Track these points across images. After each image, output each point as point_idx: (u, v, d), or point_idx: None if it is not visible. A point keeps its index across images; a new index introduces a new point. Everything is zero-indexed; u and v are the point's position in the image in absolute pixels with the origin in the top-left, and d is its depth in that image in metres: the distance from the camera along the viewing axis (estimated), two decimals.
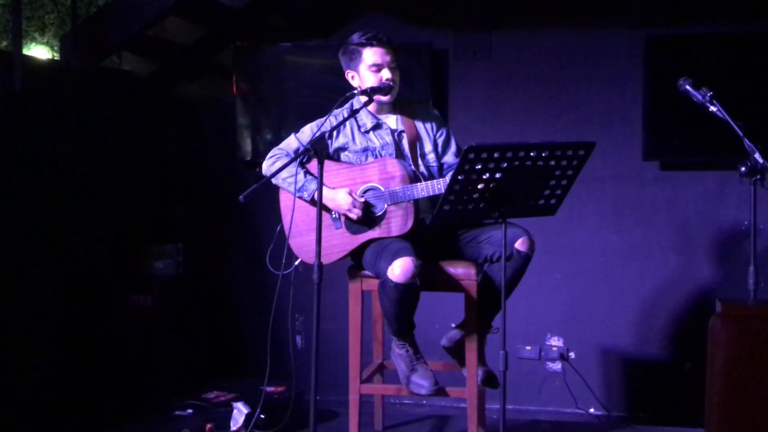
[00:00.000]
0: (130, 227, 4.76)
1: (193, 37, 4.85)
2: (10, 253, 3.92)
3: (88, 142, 4.46)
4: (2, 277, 3.87)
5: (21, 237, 3.99)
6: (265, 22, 4.90)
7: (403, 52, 3.69)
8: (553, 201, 3.00)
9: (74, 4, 4.59)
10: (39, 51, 5.06)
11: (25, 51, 4.45)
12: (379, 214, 3.35)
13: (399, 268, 3.13)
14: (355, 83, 3.44)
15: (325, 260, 3.06)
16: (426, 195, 3.26)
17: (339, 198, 3.35)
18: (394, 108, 3.50)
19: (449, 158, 3.51)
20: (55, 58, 4.80)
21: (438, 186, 3.22)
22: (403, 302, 3.23)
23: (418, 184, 3.27)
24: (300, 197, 3.36)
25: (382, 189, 3.34)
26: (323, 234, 3.03)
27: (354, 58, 3.40)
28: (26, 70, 4.03)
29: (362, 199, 3.35)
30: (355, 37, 3.39)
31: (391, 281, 3.15)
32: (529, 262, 3.31)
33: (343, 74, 3.49)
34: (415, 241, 3.27)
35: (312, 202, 3.37)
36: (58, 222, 4.22)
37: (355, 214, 3.33)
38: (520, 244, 3.26)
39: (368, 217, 3.36)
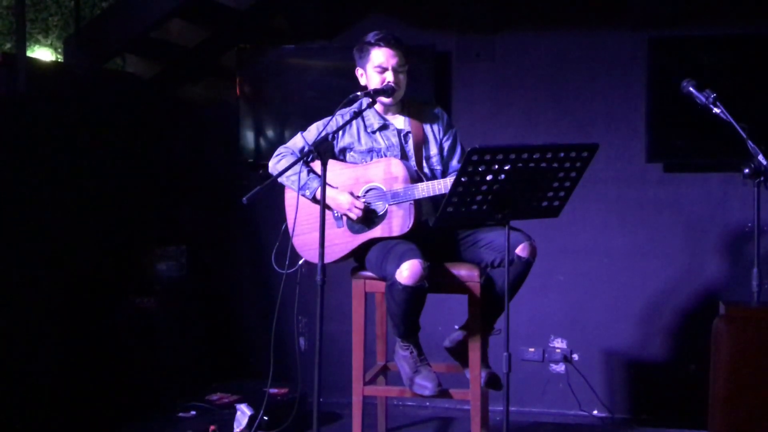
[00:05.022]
0: (134, 229, 4.76)
1: (197, 39, 4.85)
2: (14, 254, 3.93)
3: (91, 144, 4.46)
4: (6, 279, 3.88)
5: (24, 238, 3.99)
6: (268, 24, 4.91)
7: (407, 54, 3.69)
8: (556, 203, 3.00)
9: (78, 7, 4.60)
10: (43, 53, 5.07)
11: (29, 53, 4.47)
12: (381, 213, 3.36)
13: (407, 271, 3.13)
14: (362, 81, 3.47)
15: (326, 259, 3.05)
16: (427, 195, 3.26)
17: (340, 198, 3.35)
18: (402, 109, 3.51)
19: (455, 162, 3.52)
20: (59, 61, 4.82)
21: (439, 187, 3.22)
22: (410, 304, 3.23)
23: (420, 184, 3.27)
24: (302, 195, 3.36)
25: (384, 189, 3.35)
26: (325, 232, 3.03)
27: (363, 56, 3.42)
28: (30, 72, 4.04)
29: (363, 200, 3.36)
30: (369, 36, 3.41)
31: (400, 284, 3.15)
32: (531, 267, 3.30)
33: (347, 76, 3.51)
34: (416, 242, 3.28)
35: (314, 200, 3.38)
36: (62, 224, 4.22)
37: (355, 214, 3.34)
38: (521, 250, 3.26)
39: (369, 217, 3.36)
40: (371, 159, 3.44)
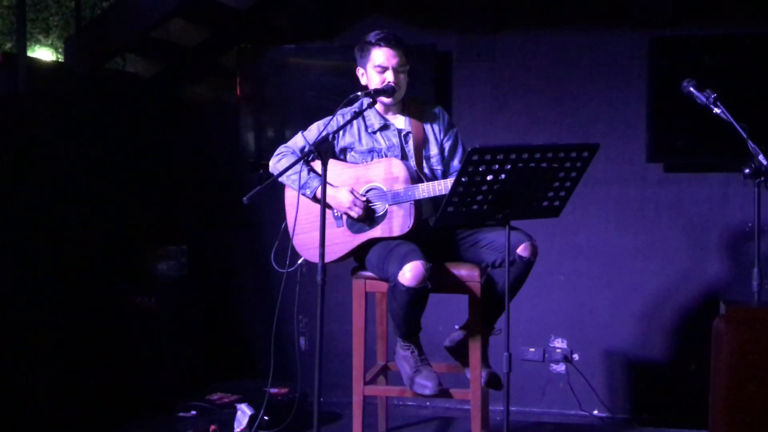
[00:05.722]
0: (134, 228, 4.76)
1: (197, 38, 4.86)
2: (15, 253, 3.93)
3: (92, 143, 4.46)
4: (6, 278, 3.88)
5: (25, 238, 3.99)
6: (269, 23, 4.90)
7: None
8: (557, 203, 3.00)
9: (78, 6, 4.60)
10: (43, 53, 5.07)
11: (30, 53, 4.47)
12: (380, 213, 3.36)
13: (410, 272, 3.13)
14: (363, 81, 3.47)
15: (326, 258, 3.05)
16: (427, 196, 3.26)
17: (340, 196, 3.35)
18: (403, 108, 3.51)
19: (456, 162, 3.51)
20: (60, 60, 4.82)
21: (439, 187, 3.22)
22: (413, 306, 3.23)
23: (420, 185, 3.27)
24: (303, 194, 3.36)
25: (385, 189, 3.34)
26: (325, 232, 3.02)
27: (364, 55, 3.42)
28: (31, 72, 4.04)
29: (364, 198, 3.35)
30: (370, 35, 3.41)
31: (403, 285, 3.14)
32: (532, 267, 3.30)
33: (347, 76, 3.51)
34: (416, 242, 3.27)
35: (314, 199, 3.38)
36: (63, 223, 4.23)
37: (355, 212, 3.34)
38: (522, 250, 3.25)
39: (369, 217, 3.36)
40: (372, 159, 3.44)
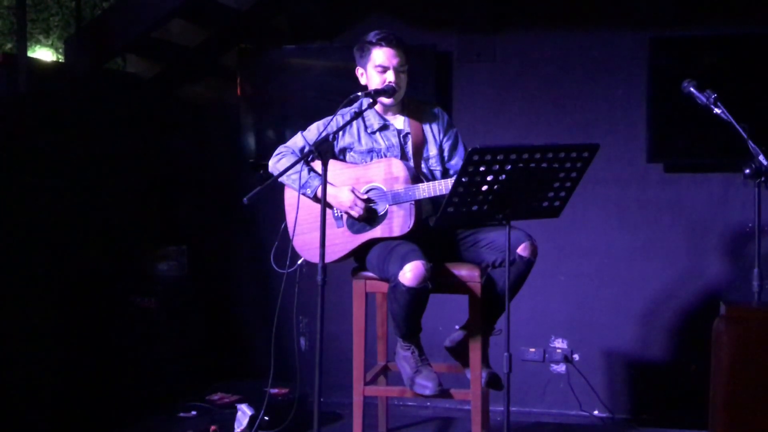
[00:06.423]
0: (134, 229, 4.76)
1: (198, 39, 4.85)
2: (14, 253, 3.93)
3: (92, 143, 4.46)
4: (6, 278, 3.88)
5: (25, 238, 3.99)
6: (269, 24, 4.90)
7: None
8: (557, 203, 3.00)
9: (79, 7, 4.61)
10: (43, 53, 5.07)
11: (30, 53, 4.46)
12: (381, 213, 3.36)
13: (410, 272, 3.13)
14: (363, 81, 3.47)
15: (326, 258, 3.05)
16: (428, 196, 3.26)
17: (341, 195, 3.35)
18: (402, 109, 3.50)
19: (456, 162, 3.51)
20: (60, 61, 4.81)
21: (439, 187, 3.22)
22: (413, 306, 3.23)
23: (420, 185, 3.27)
24: (303, 194, 3.36)
25: (385, 189, 3.34)
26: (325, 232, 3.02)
27: (364, 55, 3.41)
28: (31, 72, 4.04)
29: (365, 197, 3.35)
30: (370, 35, 3.40)
31: (404, 285, 3.14)
32: (532, 267, 3.30)
33: (347, 76, 3.51)
34: (417, 242, 3.27)
35: (315, 199, 3.38)
36: (62, 223, 4.23)
37: (357, 211, 3.34)
38: (522, 250, 3.25)
39: (370, 216, 3.36)
40: (371, 159, 3.44)
